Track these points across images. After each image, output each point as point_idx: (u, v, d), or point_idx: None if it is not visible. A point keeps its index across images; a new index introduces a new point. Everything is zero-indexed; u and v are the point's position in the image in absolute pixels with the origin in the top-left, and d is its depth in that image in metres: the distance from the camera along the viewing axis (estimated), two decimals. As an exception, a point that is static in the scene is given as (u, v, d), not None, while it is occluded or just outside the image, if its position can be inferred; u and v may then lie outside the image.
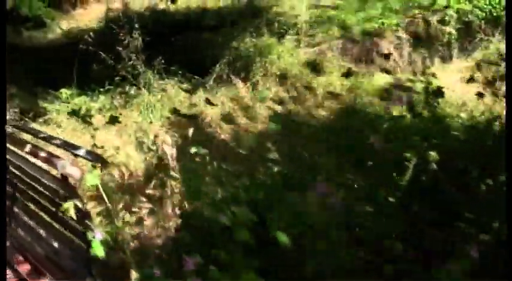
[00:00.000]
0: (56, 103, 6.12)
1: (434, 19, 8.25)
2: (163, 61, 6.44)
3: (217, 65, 7.08)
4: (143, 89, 6.07)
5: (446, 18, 8.22)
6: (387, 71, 7.51)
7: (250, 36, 8.62)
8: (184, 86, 6.42)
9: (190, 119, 5.55)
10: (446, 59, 8.43)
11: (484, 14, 8.40)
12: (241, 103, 6.05)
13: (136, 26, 6.49)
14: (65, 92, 6.42)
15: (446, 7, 8.35)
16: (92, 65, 6.54)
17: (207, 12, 12.12)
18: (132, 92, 6.17)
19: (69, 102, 6.27)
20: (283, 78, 6.65)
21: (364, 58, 8.16)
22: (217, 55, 7.62)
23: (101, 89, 6.40)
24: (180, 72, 6.56)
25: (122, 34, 6.16)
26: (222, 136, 5.27)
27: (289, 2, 12.00)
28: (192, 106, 5.97)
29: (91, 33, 6.59)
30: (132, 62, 6.16)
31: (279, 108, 6.12)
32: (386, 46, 8.02)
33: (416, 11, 8.30)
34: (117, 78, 6.29)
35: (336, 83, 6.56)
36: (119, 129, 5.51)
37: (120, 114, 5.86)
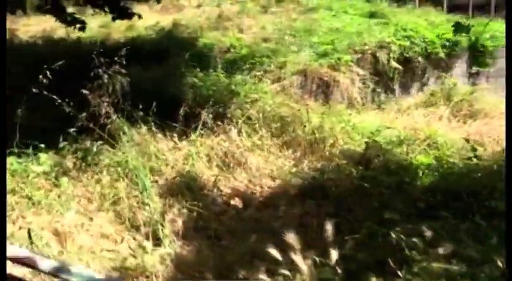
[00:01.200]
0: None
1: (382, 55, 8.39)
2: (129, 102, 5.10)
3: (183, 107, 5.92)
4: (118, 143, 4.63)
5: (391, 54, 8.45)
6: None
7: (202, 72, 7.70)
8: (163, 137, 5.12)
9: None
10: (394, 92, 8.66)
11: (420, 50, 8.91)
12: (238, 159, 5.02)
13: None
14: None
15: (389, 43, 8.60)
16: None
17: (123, 44, 10.65)
18: (95, 147, 4.66)
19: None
20: (268, 120, 5.81)
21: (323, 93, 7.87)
22: (176, 94, 6.47)
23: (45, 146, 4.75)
24: (148, 117, 5.24)
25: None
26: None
27: (212, 33, 11.40)
28: (187, 166, 4.71)
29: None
30: (96, 106, 4.69)
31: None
32: (343, 81, 7.83)
33: (366, 47, 8.35)
34: (72, 129, 4.73)
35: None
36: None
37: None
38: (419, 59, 8.86)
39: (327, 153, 5.34)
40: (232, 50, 10.20)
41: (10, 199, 4.26)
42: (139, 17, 10.05)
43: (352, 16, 14.22)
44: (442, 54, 9.21)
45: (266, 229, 3.70)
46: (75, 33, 12.92)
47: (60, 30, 13.16)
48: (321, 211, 4.03)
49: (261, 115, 5.83)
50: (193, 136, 5.40)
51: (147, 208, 3.82)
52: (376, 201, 4.03)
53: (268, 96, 6.23)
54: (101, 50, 10.07)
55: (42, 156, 4.76)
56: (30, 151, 4.81)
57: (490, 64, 10.21)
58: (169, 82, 7.73)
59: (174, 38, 11.10)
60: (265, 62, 8.08)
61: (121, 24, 13.22)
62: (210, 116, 5.62)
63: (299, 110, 5.89)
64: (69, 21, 9.83)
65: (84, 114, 4.70)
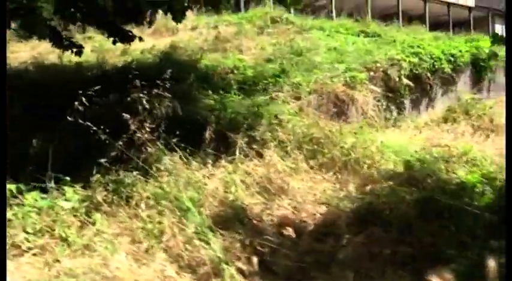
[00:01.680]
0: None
1: (393, 72, 8.33)
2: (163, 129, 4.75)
3: (208, 131, 5.61)
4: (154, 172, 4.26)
5: (402, 71, 8.40)
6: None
7: (215, 94, 7.44)
8: (196, 163, 4.76)
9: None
10: (404, 109, 8.58)
11: (428, 66, 8.91)
12: (279, 184, 4.70)
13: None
14: (9, 189, 4.19)
15: (399, 60, 8.57)
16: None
17: (124, 67, 10.29)
18: (130, 179, 4.27)
19: (23, 204, 4.06)
20: (299, 142, 5.55)
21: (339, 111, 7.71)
22: (196, 117, 6.16)
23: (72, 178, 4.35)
24: (179, 143, 4.89)
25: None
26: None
27: (212, 55, 11.19)
28: (229, 194, 4.36)
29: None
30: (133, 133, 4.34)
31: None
32: (359, 99, 7.69)
33: (378, 64, 8.27)
34: (103, 160, 4.34)
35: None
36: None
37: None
38: (428, 75, 8.85)
39: (367, 174, 5.09)
40: (235, 71, 10.00)
41: (39, 240, 3.82)
42: (140, 39, 9.74)
43: (345, 35, 14.35)
44: (448, 70, 9.25)
45: (340, 262, 3.38)
46: (66, 58, 12.62)
47: (50, 55, 12.74)
48: (386, 237, 3.74)
49: (291, 137, 5.56)
50: (223, 161, 5.06)
51: (203, 244, 3.44)
52: (441, 224, 3.78)
53: (297, 117, 5.97)
54: (107, 74, 9.78)
55: (69, 190, 4.33)
56: (54, 184, 4.39)
57: (491, 78, 10.35)
58: (185, 106, 7.41)
59: (174, 61, 10.81)
60: (280, 82, 7.86)
61: (113, 48, 12.93)
62: (244, 140, 5.31)
63: (330, 130, 5.66)
64: (66, 45, 9.46)
65: (119, 142, 4.31)
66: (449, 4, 23.00)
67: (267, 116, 6.06)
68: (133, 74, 5.04)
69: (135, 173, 4.28)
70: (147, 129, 4.58)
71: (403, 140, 6.36)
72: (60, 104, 8.31)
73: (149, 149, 4.55)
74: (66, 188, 4.33)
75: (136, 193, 4.24)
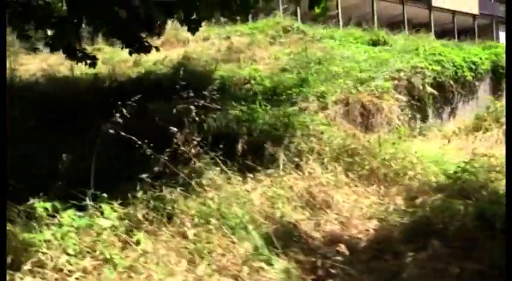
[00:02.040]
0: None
1: (417, 81, 8.19)
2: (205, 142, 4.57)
3: (241, 144, 5.43)
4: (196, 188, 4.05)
5: (426, 79, 8.26)
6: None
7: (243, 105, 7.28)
8: (236, 177, 4.56)
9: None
10: (427, 117, 8.43)
11: (451, 74, 8.78)
12: (323, 198, 4.50)
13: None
14: (42, 206, 4.00)
15: (422, 68, 8.43)
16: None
17: (139, 79, 10.15)
18: (172, 195, 4.07)
19: (61, 225, 3.85)
20: (335, 154, 5.36)
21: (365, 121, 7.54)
22: (224, 129, 5.98)
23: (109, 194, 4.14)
24: (219, 157, 4.69)
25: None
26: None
27: (226, 66, 11.06)
28: (275, 210, 4.14)
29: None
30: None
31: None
32: (385, 108, 7.53)
33: (402, 73, 8.13)
34: (145, 175, 4.15)
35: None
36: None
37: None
38: (451, 82, 8.72)
39: (411, 186, 4.90)
40: (252, 81, 9.86)
41: (81, 262, 3.60)
42: (157, 49, 9.57)
43: (355, 44, 14.27)
44: (469, 77, 9.13)
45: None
46: (78, 70, 12.46)
47: (60, 67, 12.58)
48: (449, 253, 3.54)
49: (327, 148, 5.37)
50: (261, 174, 4.86)
51: (262, 264, 3.22)
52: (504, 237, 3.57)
53: (329, 127, 5.80)
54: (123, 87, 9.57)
55: (106, 207, 4.12)
56: (89, 201, 4.18)
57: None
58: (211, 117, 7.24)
59: (189, 71, 10.65)
60: (303, 92, 7.70)
61: (124, 59, 12.81)
62: (279, 152, 5.13)
63: (368, 141, 5.48)
64: (79, 57, 9.30)
65: (162, 156, 4.12)
66: (454, 12, 23.07)
67: (299, 126, 5.87)
68: (181, 85, 4.85)
69: (178, 189, 4.07)
70: (194, 142, 4.41)
71: (435, 150, 6.17)
72: (83, 117, 8.17)
73: (192, 164, 4.34)
74: (103, 205, 4.12)
75: (179, 209, 4.03)
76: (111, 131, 4.24)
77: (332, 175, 4.99)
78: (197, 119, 4.57)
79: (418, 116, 8.04)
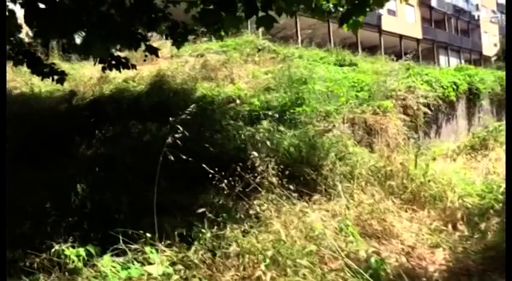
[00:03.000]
0: None
1: (411, 100, 8.22)
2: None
3: (271, 168, 4.94)
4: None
5: (420, 99, 8.33)
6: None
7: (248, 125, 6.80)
8: (291, 207, 4.05)
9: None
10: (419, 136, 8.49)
11: (440, 94, 8.96)
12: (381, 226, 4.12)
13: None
14: (75, 253, 3.26)
15: (415, 88, 8.51)
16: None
17: (115, 98, 9.24)
18: (232, 232, 3.47)
19: (104, 275, 3.11)
20: (372, 177, 5.06)
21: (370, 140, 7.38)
22: (231, 153, 5.49)
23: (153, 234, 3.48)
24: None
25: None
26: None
27: (205, 84, 10.51)
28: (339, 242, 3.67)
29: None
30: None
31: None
32: (389, 127, 7.43)
33: (399, 92, 8.13)
34: (202, 210, 3.53)
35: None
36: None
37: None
38: (440, 102, 8.89)
39: (460, 209, 4.68)
40: (238, 100, 9.41)
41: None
42: (134, 67, 8.79)
43: (324, 64, 14.39)
44: (453, 97, 9.38)
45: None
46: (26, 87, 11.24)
47: (10, 83, 11.25)
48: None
49: (363, 171, 5.05)
50: (296, 202, 4.40)
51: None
52: None
53: (361, 149, 5.50)
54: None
55: (151, 250, 3.42)
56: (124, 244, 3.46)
57: (480, 104, 10.72)
58: (213, 140, 6.65)
59: (166, 90, 9.97)
60: (306, 111, 7.38)
61: (85, 75, 11.79)
62: (314, 175, 4.71)
63: (401, 163, 5.23)
64: (46, 72, 8.31)
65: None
66: (401, 36, 24.36)
67: (326, 148, 5.51)
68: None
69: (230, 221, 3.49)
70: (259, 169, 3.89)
71: (450, 170, 6.08)
72: (60, 139, 7.17)
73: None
74: (146, 247, 3.42)
75: (240, 247, 3.44)
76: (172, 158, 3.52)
77: (378, 200, 4.64)
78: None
79: (415, 135, 8.02)
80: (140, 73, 11.41)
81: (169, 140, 3.92)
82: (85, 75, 11.88)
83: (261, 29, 15.13)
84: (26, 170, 6.32)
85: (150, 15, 6.47)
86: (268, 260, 3.32)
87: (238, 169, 4.55)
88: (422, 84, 8.62)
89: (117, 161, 5.94)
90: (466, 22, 31.22)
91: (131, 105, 8.76)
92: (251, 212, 3.81)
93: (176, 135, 3.79)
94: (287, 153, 5.37)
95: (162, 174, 5.07)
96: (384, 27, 23.30)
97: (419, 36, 25.62)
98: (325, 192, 4.63)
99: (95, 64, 8.57)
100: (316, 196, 4.47)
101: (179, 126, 4.56)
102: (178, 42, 7.40)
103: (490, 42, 32.55)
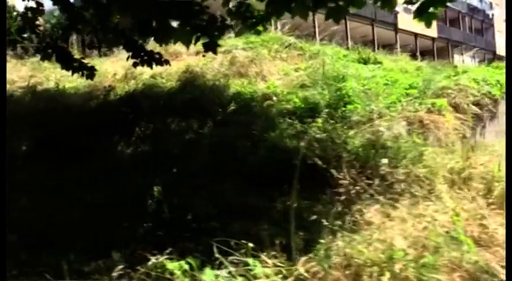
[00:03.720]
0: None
1: (462, 99, 7.89)
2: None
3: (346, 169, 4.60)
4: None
5: (470, 98, 8.00)
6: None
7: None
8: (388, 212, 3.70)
9: None
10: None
11: (487, 92, 8.63)
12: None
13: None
14: (178, 267, 2.89)
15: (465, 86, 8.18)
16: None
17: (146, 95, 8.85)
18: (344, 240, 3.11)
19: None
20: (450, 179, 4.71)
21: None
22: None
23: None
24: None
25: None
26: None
27: (237, 81, 10.14)
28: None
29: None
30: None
31: None
32: (443, 125, 7.10)
33: (449, 91, 7.80)
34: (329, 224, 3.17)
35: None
36: None
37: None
38: (487, 101, 8.55)
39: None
40: (274, 97, 9.06)
41: None
42: (167, 63, 8.39)
43: (347, 62, 14.04)
44: (498, 95, 9.05)
45: None
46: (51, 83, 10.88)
47: (31, 80, 10.88)
48: None
49: (441, 172, 4.70)
50: (398, 207, 4.04)
51: None
52: None
53: (435, 150, 5.15)
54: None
55: (254, 261, 3.06)
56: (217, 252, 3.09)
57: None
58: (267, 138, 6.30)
59: (197, 86, 9.61)
60: (357, 109, 7.04)
61: (109, 71, 11.40)
62: (398, 177, 4.35)
63: (483, 164, 4.89)
64: (76, 67, 7.95)
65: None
66: (416, 34, 24.02)
67: (394, 148, 5.16)
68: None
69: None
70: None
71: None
72: (94, 138, 6.78)
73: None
74: (249, 260, 3.06)
75: (354, 258, 3.08)
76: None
77: (470, 205, 4.29)
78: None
79: (468, 133, 7.69)
80: (167, 69, 11.03)
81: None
82: (108, 71, 11.49)
83: (280, 26, 14.81)
84: (67, 168, 5.98)
85: (188, 7, 6.10)
86: (388, 274, 2.97)
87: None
88: (470, 82, 8.27)
89: (168, 160, 5.59)
90: (480, 21, 30.95)
91: (166, 102, 8.40)
92: (356, 218, 3.42)
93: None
94: (358, 154, 5.01)
95: (230, 175, 4.75)
96: (400, 25, 22.97)
97: (435, 35, 25.29)
98: (410, 196, 4.27)
99: (127, 59, 8.20)
100: (406, 201, 4.11)
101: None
102: (214, 37, 7.02)
103: (504, 42, 32.18)
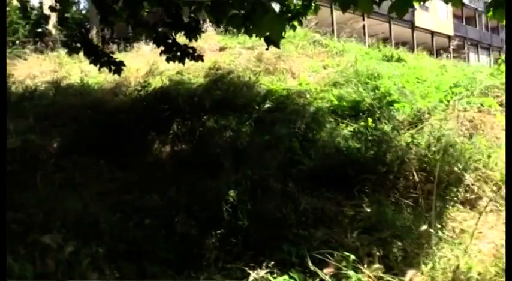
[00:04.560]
0: None
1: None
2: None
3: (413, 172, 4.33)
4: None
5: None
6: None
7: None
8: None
9: None
10: None
11: None
12: None
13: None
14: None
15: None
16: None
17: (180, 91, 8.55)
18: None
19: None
20: None
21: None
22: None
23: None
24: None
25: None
26: None
27: (266, 78, 9.84)
28: None
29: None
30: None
31: None
32: (493, 125, 6.80)
33: (495, 90, 7.51)
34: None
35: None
36: None
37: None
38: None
39: None
40: (308, 95, 8.76)
41: None
42: (201, 58, 8.13)
43: (374, 60, 13.71)
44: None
45: None
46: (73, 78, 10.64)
47: (53, 75, 10.61)
48: None
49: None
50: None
51: None
52: None
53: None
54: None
55: (353, 274, 2.79)
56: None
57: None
58: (312, 136, 6.02)
59: (227, 83, 9.32)
60: (404, 108, 6.75)
61: (132, 66, 11.12)
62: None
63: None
64: (103, 62, 7.70)
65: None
66: (432, 33, 23.69)
67: (461, 151, 4.87)
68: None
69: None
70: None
71: None
72: (133, 136, 6.49)
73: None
74: (350, 272, 2.78)
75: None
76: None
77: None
78: None
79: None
80: (193, 65, 10.76)
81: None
82: (130, 66, 11.22)
83: (307, 22, 14.47)
84: (107, 168, 5.71)
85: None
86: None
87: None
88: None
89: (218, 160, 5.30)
90: (496, 19, 30.44)
91: (199, 99, 8.12)
92: (452, 226, 3.14)
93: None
94: (424, 156, 4.72)
95: (289, 177, 4.47)
96: (417, 23, 22.62)
97: (451, 33, 24.94)
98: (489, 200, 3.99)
99: (161, 54, 7.97)
100: (485, 206, 3.83)
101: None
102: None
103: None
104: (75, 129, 7.10)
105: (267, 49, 5.43)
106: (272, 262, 2.57)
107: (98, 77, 10.68)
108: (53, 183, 4.54)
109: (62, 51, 11.88)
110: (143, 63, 11.17)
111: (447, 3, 5.18)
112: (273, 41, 5.13)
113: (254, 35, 5.05)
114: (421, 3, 5.01)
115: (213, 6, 4.40)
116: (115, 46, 13.31)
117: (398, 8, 4.81)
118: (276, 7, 3.48)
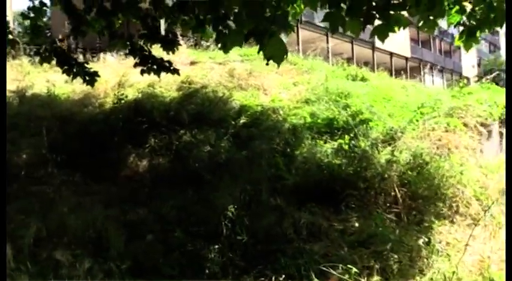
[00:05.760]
0: None
1: (470, 119, 8.10)
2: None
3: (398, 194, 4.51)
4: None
5: (477, 119, 8.20)
6: None
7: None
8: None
9: None
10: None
11: (488, 113, 8.89)
12: None
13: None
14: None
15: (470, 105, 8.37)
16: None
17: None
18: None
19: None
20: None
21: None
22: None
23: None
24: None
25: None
26: None
27: (238, 93, 9.93)
28: None
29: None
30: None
31: None
32: (460, 145, 7.22)
33: (459, 111, 7.97)
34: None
35: None
36: None
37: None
38: (490, 120, 8.81)
39: None
40: (281, 112, 8.91)
41: None
42: (177, 72, 8.07)
43: (341, 79, 14.14)
44: (496, 115, 9.35)
45: None
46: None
47: (16, 84, 10.16)
48: None
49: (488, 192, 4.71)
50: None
51: None
52: None
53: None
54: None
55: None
56: None
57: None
58: (292, 153, 6.10)
59: (201, 98, 9.30)
60: (377, 127, 7.01)
61: (101, 78, 10.85)
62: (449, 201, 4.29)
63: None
64: (76, 72, 7.54)
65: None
66: (391, 54, 24.79)
67: (436, 168, 5.13)
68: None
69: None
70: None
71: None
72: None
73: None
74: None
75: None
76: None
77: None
78: None
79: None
80: (164, 78, 10.66)
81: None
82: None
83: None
84: (82, 181, 5.53)
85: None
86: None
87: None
88: (478, 102, 8.51)
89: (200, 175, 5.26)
90: (448, 43, 32.48)
91: (175, 113, 8.05)
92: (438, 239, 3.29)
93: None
94: (404, 173, 4.92)
95: (273, 191, 4.52)
96: (377, 44, 23.62)
97: (408, 54, 26.23)
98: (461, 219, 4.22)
99: (135, 66, 7.86)
100: (465, 220, 4.04)
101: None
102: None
103: (469, 64, 34.10)
104: (47, 141, 6.81)
105: (267, 64, 5.50)
106: (274, 276, 2.57)
107: (64, 87, 10.35)
108: (29, 196, 4.33)
109: (25, 59, 11.43)
110: (111, 75, 10.93)
111: (422, 30, 5.51)
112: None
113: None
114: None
115: (216, 21, 4.41)
116: (81, 56, 12.95)
117: (379, 33, 5.06)
118: (284, 38, 3.56)
